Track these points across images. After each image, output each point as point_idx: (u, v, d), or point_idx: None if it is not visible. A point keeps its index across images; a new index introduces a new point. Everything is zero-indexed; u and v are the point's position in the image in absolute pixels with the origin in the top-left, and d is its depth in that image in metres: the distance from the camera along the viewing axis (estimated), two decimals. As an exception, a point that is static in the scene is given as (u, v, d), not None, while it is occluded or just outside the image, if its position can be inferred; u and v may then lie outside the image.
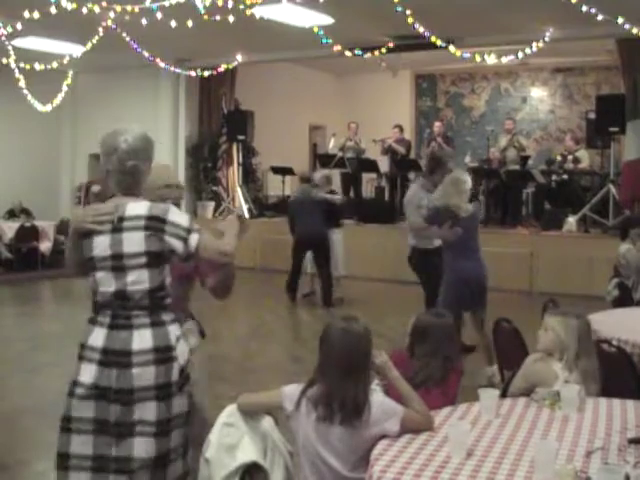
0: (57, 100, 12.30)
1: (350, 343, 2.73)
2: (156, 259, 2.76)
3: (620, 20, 8.61)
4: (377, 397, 2.76)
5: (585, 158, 11.81)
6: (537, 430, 2.67)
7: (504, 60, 10.74)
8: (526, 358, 3.38)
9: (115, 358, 2.72)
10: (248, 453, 2.93)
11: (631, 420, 2.74)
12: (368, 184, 14.44)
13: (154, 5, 8.23)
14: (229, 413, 3.06)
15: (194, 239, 2.75)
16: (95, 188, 13.21)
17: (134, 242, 2.73)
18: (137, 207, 2.77)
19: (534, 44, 10.06)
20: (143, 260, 2.74)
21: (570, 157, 11.77)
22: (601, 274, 7.49)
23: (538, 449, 2.32)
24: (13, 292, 10.90)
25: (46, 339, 7.72)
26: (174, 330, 2.82)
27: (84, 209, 2.99)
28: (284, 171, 13.77)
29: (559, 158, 12.08)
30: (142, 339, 2.73)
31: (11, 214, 13.04)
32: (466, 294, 5.69)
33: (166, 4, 8.16)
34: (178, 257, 2.79)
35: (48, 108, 12.15)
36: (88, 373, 2.76)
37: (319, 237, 9.29)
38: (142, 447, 2.72)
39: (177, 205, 3.10)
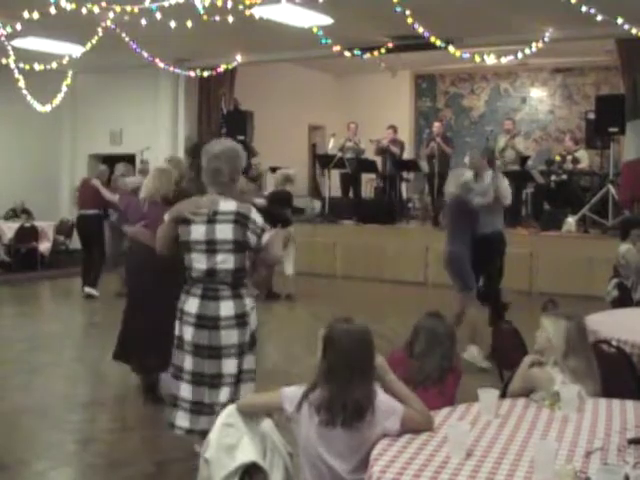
0: (57, 100, 12.27)
1: (355, 345, 2.75)
2: (240, 246, 3.57)
3: (620, 20, 8.61)
4: (377, 396, 2.75)
5: (584, 158, 11.80)
6: (537, 430, 2.67)
7: (503, 60, 10.73)
8: (525, 358, 3.38)
9: (207, 322, 3.56)
10: (247, 453, 2.93)
11: (631, 420, 2.74)
12: (367, 184, 14.44)
13: (153, 5, 8.22)
14: (229, 413, 3.06)
15: (265, 237, 3.63)
16: (119, 170, 13.29)
17: (225, 231, 3.55)
18: (228, 204, 3.61)
19: (534, 44, 10.05)
20: (231, 246, 3.55)
21: (569, 157, 11.77)
22: (600, 274, 7.50)
23: (538, 449, 2.32)
24: (12, 292, 10.89)
25: (46, 339, 7.72)
26: (249, 302, 3.66)
27: (186, 201, 3.73)
28: (283, 171, 13.76)
29: (558, 158, 12.07)
30: (227, 308, 3.55)
31: (12, 214, 13.04)
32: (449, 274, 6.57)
33: (165, 4, 8.15)
34: (251, 249, 3.63)
35: (48, 108, 12.12)
36: (188, 333, 3.60)
37: None
38: (225, 393, 3.58)
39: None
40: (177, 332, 3.70)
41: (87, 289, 9.85)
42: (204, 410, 3.63)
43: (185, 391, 3.65)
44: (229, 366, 3.58)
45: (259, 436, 3.01)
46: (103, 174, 10.18)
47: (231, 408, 3.08)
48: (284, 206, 9.87)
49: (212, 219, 3.56)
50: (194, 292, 3.61)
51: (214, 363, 3.57)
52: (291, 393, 2.83)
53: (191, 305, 3.60)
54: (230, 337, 3.56)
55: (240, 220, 3.56)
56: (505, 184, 6.68)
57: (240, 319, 3.59)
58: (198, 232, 3.57)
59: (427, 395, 3.09)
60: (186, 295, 3.64)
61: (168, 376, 3.93)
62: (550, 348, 3.21)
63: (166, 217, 3.73)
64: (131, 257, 5.66)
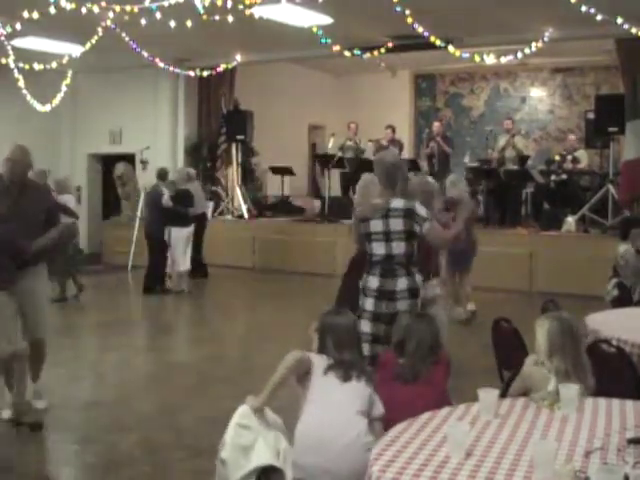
0: (56, 100, 12.28)
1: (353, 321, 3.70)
2: (409, 235, 4.32)
3: (619, 20, 8.62)
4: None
5: (584, 158, 11.81)
6: (536, 430, 2.68)
7: (503, 60, 10.75)
8: (526, 359, 3.39)
9: (386, 295, 4.33)
10: (263, 455, 2.99)
11: (630, 420, 2.75)
12: (367, 184, 14.42)
13: (153, 5, 8.23)
14: (242, 414, 3.12)
15: (426, 226, 4.29)
16: (118, 171, 13.26)
17: (397, 224, 4.31)
18: (398, 202, 4.35)
19: (533, 44, 10.06)
20: (403, 235, 4.32)
21: (569, 157, 11.77)
22: (600, 274, 7.49)
23: (537, 449, 2.32)
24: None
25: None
26: (419, 278, 4.41)
27: (367, 204, 4.59)
28: (283, 171, 13.77)
29: (558, 158, 12.08)
30: (401, 283, 4.32)
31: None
32: None
33: (165, 4, 8.15)
34: (417, 236, 4.34)
35: (47, 108, 12.14)
36: (369, 304, 4.37)
37: (151, 232, 10.26)
38: None
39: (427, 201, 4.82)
40: (360, 304, 4.48)
41: None
42: None
43: (365, 350, 4.30)
44: None
45: (272, 435, 3.07)
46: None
47: (244, 408, 3.14)
48: (187, 205, 10.22)
49: (386, 214, 4.36)
50: (374, 272, 4.40)
51: (388, 327, 4.22)
52: (314, 358, 3.48)
53: (373, 282, 4.39)
54: (403, 306, 4.30)
55: (408, 214, 4.31)
56: None
57: (411, 292, 4.34)
58: (376, 226, 4.38)
59: (417, 388, 3.39)
60: (367, 275, 4.44)
61: None
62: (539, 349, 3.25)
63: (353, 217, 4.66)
64: None
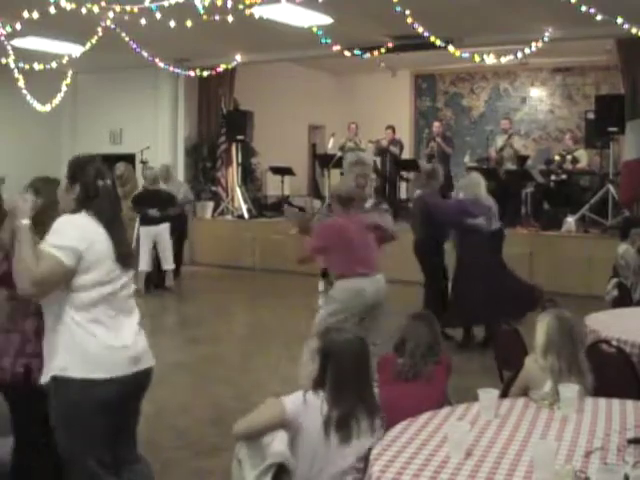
0: (56, 100, 12.27)
1: (358, 359, 2.96)
2: None
3: (619, 20, 8.61)
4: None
5: (583, 158, 11.81)
6: (536, 430, 2.68)
7: (503, 60, 10.73)
8: (526, 358, 3.39)
9: None
10: (278, 453, 3.01)
11: (630, 420, 2.75)
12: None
13: (153, 5, 8.22)
14: None
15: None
16: (118, 171, 13.28)
17: None
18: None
19: (533, 44, 10.06)
20: None
21: (569, 157, 11.77)
22: (600, 274, 7.49)
23: (537, 449, 2.32)
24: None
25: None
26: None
27: None
28: (283, 171, 13.76)
29: (558, 158, 12.08)
30: None
31: (11, 214, 12.99)
32: None
33: (165, 4, 8.14)
34: None
35: (47, 108, 12.13)
36: None
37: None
38: None
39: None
40: None
41: None
42: None
43: None
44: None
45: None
46: None
47: None
48: (147, 205, 10.30)
49: None
50: None
51: None
52: (293, 404, 2.88)
53: None
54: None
55: None
56: None
57: (322, 272, 5.52)
58: None
59: (417, 387, 3.43)
60: None
61: None
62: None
63: None
64: None
